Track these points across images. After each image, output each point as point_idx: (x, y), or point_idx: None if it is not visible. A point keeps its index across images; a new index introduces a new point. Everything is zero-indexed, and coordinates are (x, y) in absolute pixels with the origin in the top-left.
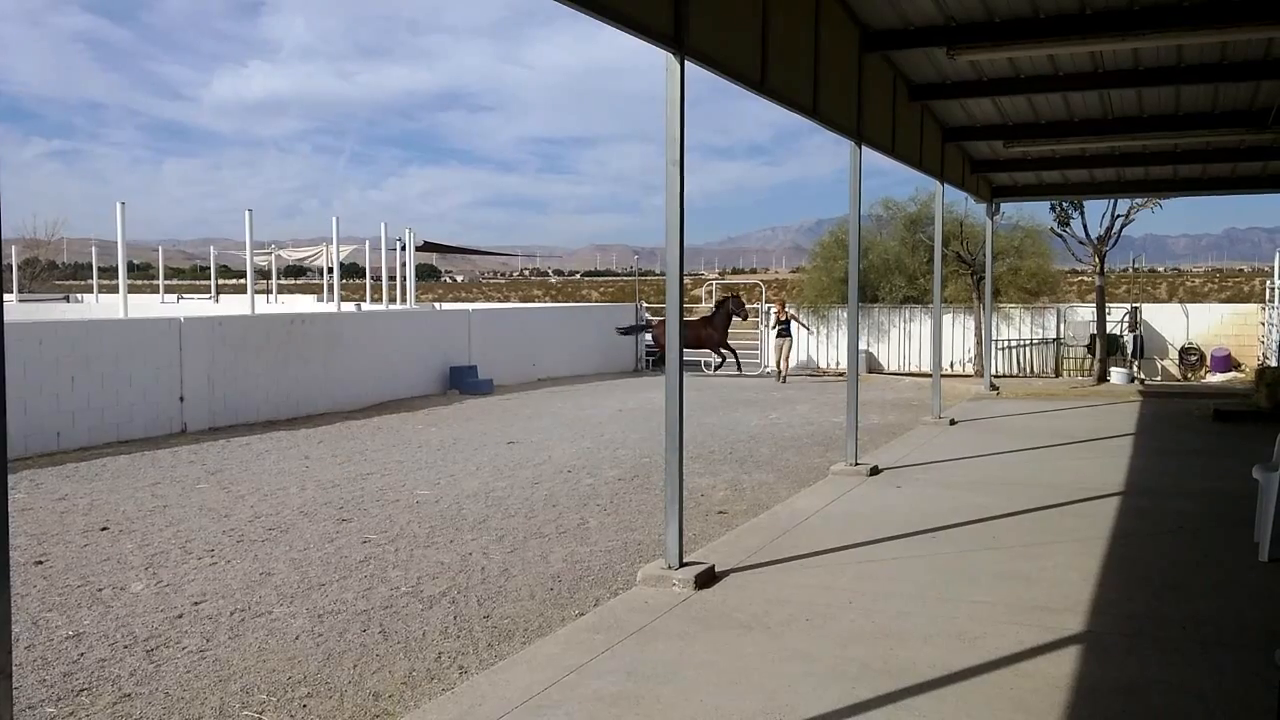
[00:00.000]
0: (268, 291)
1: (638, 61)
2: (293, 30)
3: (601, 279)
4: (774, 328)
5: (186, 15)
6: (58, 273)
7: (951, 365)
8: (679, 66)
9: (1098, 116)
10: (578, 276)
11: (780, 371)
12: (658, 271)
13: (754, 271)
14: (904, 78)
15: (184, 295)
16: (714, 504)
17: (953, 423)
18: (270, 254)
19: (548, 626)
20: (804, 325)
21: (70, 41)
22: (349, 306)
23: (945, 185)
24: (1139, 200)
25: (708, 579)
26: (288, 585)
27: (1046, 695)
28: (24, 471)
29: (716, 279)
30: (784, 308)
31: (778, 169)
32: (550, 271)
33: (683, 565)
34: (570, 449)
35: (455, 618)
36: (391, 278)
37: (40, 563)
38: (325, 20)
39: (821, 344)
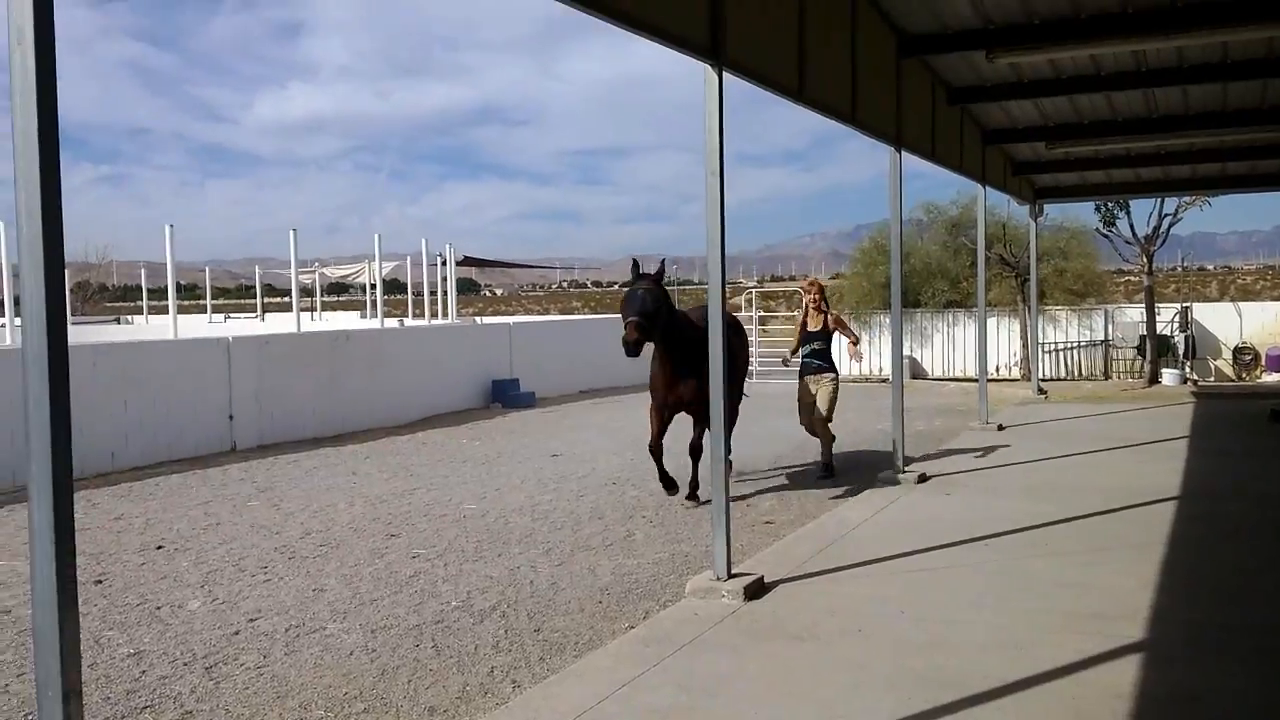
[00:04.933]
0: (312, 309)
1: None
2: (331, 51)
3: None
4: (801, 347)
5: (228, 39)
6: (108, 295)
7: (997, 369)
8: (717, 78)
9: (1142, 115)
10: (616, 287)
11: (823, 456)
12: (696, 281)
13: (793, 278)
14: (942, 81)
15: (231, 315)
16: (760, 514)
17: (1001, 428)
18: (314, 272)
19: (598, 640)
20: (853, 337)
21: (116, 68)
22: (392, 322)
23: (987, 188)
24: (1186, 198)
25: (757, 590)
26: (340, 601)
27: (1107, 704)
28: (81, 491)
29: (755, 287)
30: (821, 299)
31: (814, 175)
32: (589, 283)
33: (731, 576)
34: (614, 461)
35: (506, 631)
36: (432, 293)
37: (100, 582)
38: (362, 40)
39: (864, 350)
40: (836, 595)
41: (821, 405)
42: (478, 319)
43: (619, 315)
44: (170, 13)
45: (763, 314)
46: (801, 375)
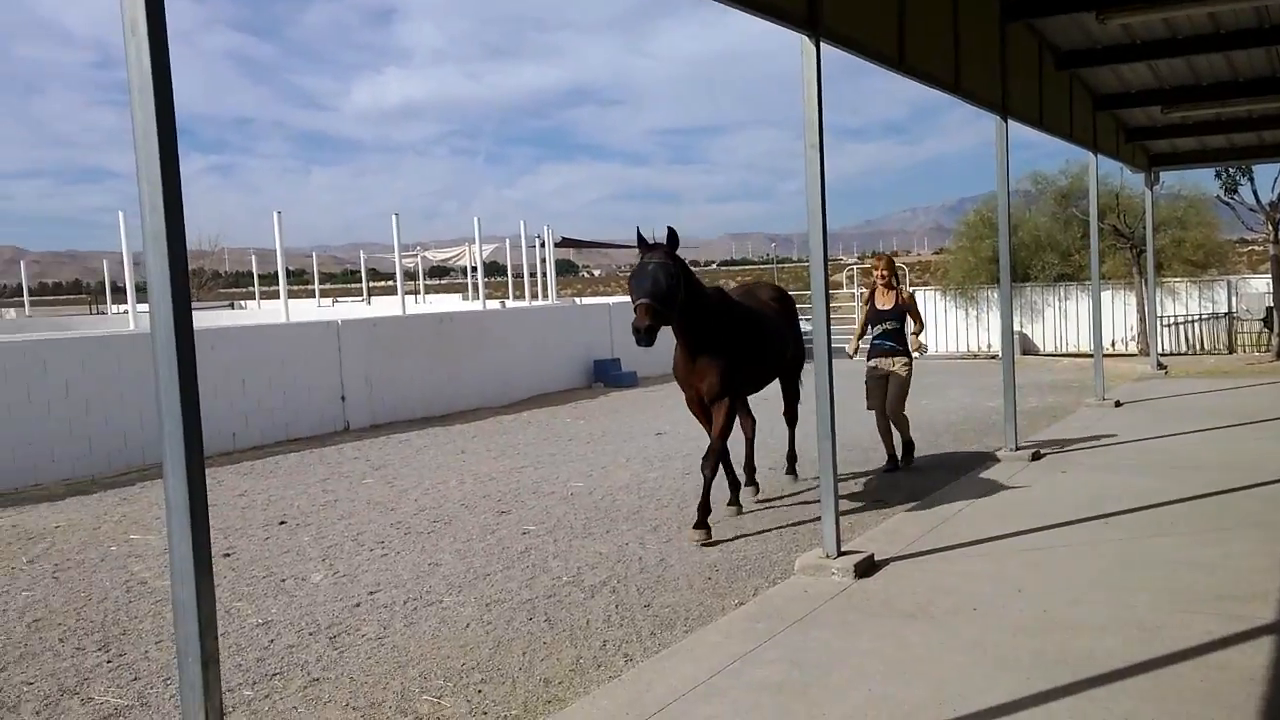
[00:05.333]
0: (415, 292)
1: (766, 45)
2: (424, 35)
3: (738, 268)
4: (871, 327)
5: (325, 28)
6: (221, 281)
7: (1113, 344)
8: (814, 49)
9: (1266, 75)
10: (714, 266)
11: (902, 443)
12: (795, 258)
13: (895, 254)
14: (1050, 46)
15: (338, 299)
16: (870, 492)
17: (1118, 404)
18: (416, 256)
19: (708, 616)
20: (918, 319)
21: (220, 59)
22: (493, 304)
23: (1099, 156)
24: None
25: (868, 568)
26: (455, 575)
27: (1242, 688)
28: (207, 470)
29: (856, 263)
30: (892, 275)
31: (916, 147)
32: (686, 262)
33: (841, 554)
34: None
35: (617, 606)
36: (532, 274)
37: (228, 555)
38: (455, 23)
39: (971, 326)
40: (949, 574)
41: (893, 394)
42: (577, 299)
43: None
44: (268, 2)
45: (863, 290)
46: (870, 357)
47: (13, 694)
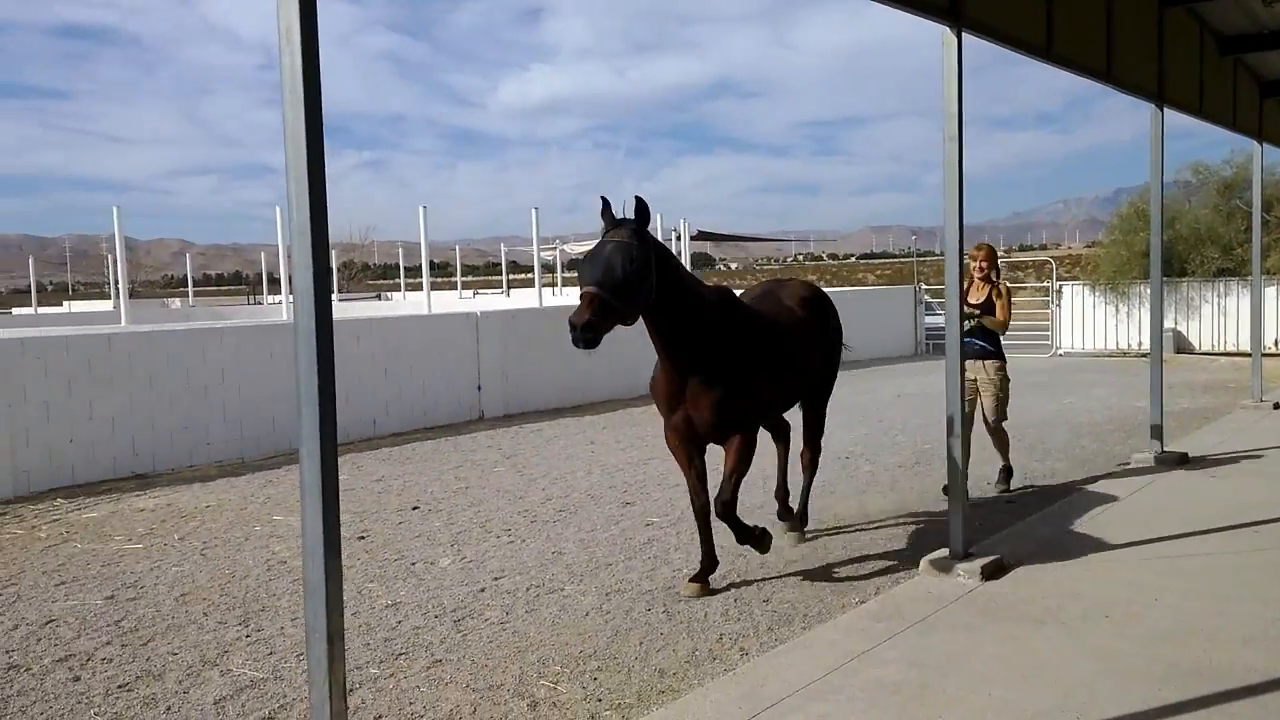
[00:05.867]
0: (553, 285)
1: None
2: (571, 33)
3: (878, 261)
4: (969, 316)
5: (475, 26)
6: (370, 273)
7: (1275, 343)
8: (955, 39)
9: None
10: (853, 260)
11: (988, 420)
12: (937, 251)
13: (1044, 247)
14: (1212, 30)
15: (479, 291)
16: (1003, 493)
17: (1276, 406)
18: (555, 249)
19: (827, 613)
20: (1002, 321)
21: (375, 59)
22: None
23: (1264, 145)
24: None
25: (995, 570)
26: (577, 564)
27: None
28: (347, 455)
29: (1002, 257)
30: (991, 267)
31: (1069, 137)
32: (825, 255)
33: (968, 555)
34: (847, 435)
35: (735, 600)
36: None
37: (362, 538)
38: (602, 20)
39: (1121, 322)
40: (1083, 579)
41: (986, 403)
42: None
43: (855, 289)
44: (421, 3)
45: (1009, 284)
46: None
47: (159, 663)
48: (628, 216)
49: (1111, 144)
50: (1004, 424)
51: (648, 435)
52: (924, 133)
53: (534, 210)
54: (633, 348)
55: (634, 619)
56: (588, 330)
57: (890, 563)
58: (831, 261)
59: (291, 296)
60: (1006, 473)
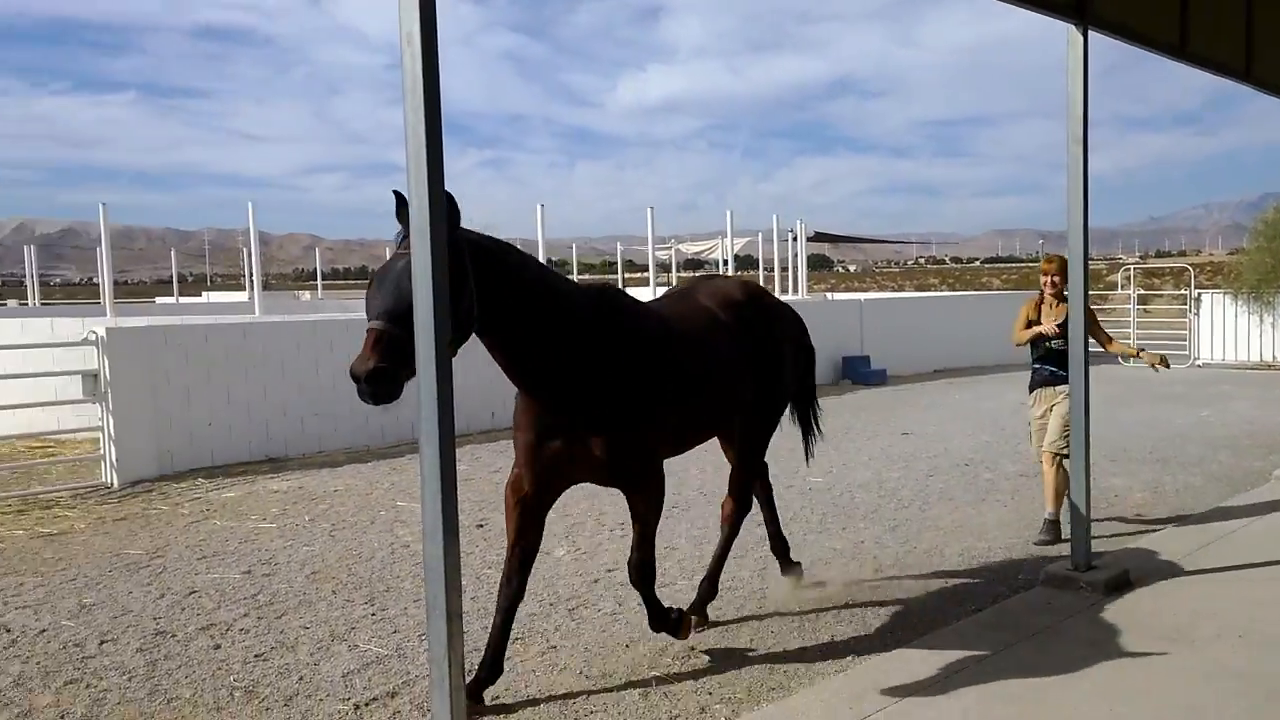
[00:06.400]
0: (668, 284)
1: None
2: (688, 32)
3: (1003, 265)
4: (1033, 348)
5: (593, 26)
6: None
7: None
8: (1081, 38)
9: None
10: (977, 263)
11: (1049, 507)
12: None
13: (1182, 254)
14: None
15: None
16: (1130, 506)
17: None
18: (670, 248)
19: (942, 620)
20: (1102, 335)
21: (498, 59)
22: None
23: None
24: None
25: (1120, 584)
26: (689, 560)
27: None
28: (466, 447)
29: (1136, 264)
30: (1065, 283)
31: (1211, 139)
32: (947, 259)
33: (1090, 568)
34: (968, 442)
35: (848, 602)
36: (784, 268)
37: (481, 526)
38: (719, 19)
39: (1266, 333)
40: (1215, 596)
41: (1053, 430)
42: (829, 295)
43: (978, 293)
44: (542, 3)
45: (1142, 291)
46: (1034, 389)
47: (292, 636)
48: None
49: (1257, 145)
50: (1065, 461)
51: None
52: (1052, 133)
53: (649, 210)
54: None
55: (745, 616)
56: (376, 381)
57: (1008, 572)
58: (954, 265)
59: None
60: (1053, 526)
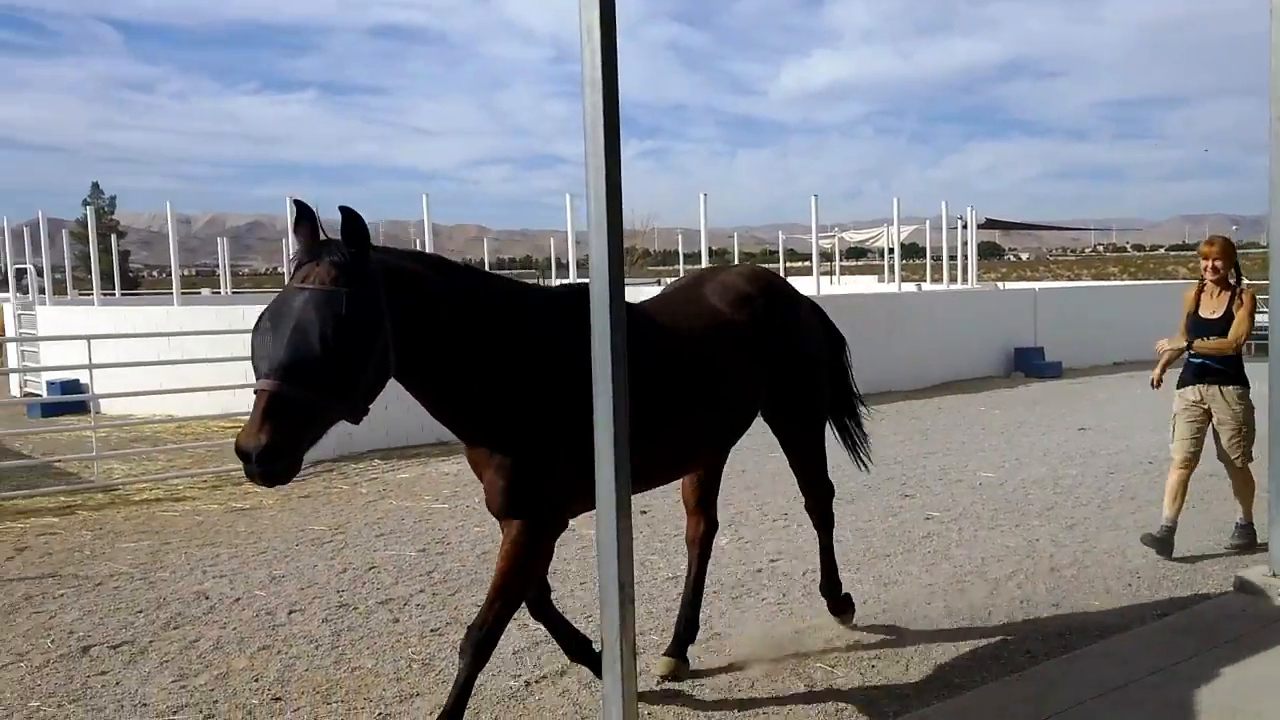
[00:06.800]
0: (830, 273)
1: (1234, 3)
2: (854, 16)
3: (1190, 253)
4: (1190, 341)
5: (757, 14)
6: (651, 259)
7: None
8: None
9: None
10: (1161, 251)
11: (1229, 459)
12: (1261, 243)
13: None
14: None
15: None
16: None
17: None
18: (833, 237)
19: (1124, 624)
20: (1243, 331)
21: (661, 50)
22: (909, 287)
23: None
24: None
25: None
26: (853, 553)
27: None
28: None
29: None
30: (1231, 268)
31: None
32: (1129, 246)
33: None
34: (1152, 439)
35: (1022, 602)
36: (952, 257)
37: (644, 512)
38: (886, 3)
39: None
40: None
41: (1224, 437)
42: (1000, 284)
43: (1161, 282)
44: None
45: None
46: (1183, 385)
47: (465, 612)
48: (333, 238)
49: None
50: (1250, 464)
51: (929, 428)
52: (1250, 111)
53: (813, 197)
54: (912, 338)
55: (912, 612)
56: (269, 461)
57: (1197, 576)
58: (1136, 253)
59: (580, 280)
60: (1247, 531)
